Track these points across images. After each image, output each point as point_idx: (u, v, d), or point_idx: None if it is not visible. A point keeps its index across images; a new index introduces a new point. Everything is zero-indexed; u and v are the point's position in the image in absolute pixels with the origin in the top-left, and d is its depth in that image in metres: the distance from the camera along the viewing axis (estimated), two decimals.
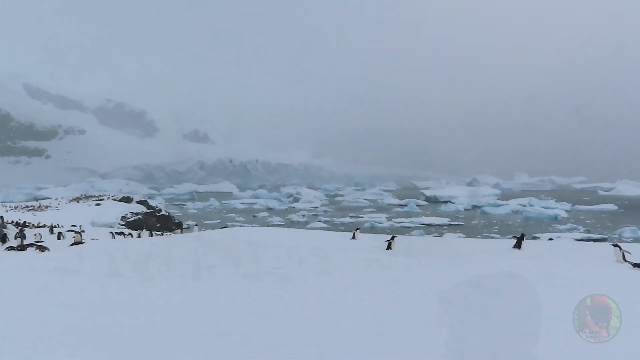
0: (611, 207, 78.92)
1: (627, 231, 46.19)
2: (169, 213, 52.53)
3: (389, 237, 17.40)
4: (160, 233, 27.44)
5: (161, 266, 11.42)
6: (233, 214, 71.77)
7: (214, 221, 59.41)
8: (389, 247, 15.62)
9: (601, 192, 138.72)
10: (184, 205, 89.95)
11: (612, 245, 13.78)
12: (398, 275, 10.45)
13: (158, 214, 51.67)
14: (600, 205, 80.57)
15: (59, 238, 23.28)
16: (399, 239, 17.01)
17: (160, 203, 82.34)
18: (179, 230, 28.66)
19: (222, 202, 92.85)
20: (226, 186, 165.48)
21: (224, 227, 28.79)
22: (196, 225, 30.30)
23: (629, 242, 38.19)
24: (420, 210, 76.27)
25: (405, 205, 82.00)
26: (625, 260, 12.53)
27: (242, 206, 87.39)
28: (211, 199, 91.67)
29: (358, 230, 19.47)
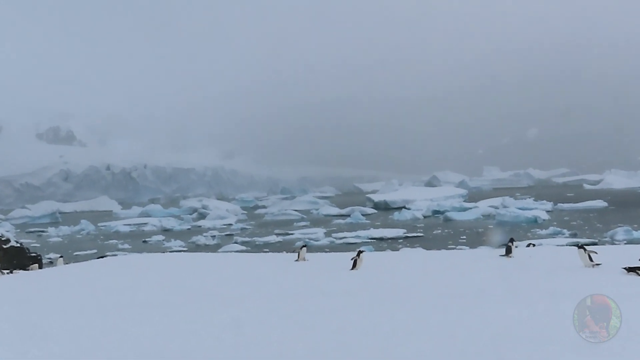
0: (600, 203, 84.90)
1: (620, 232, 49.77)
2: (21, 244, 49.66)
3: (344, 254, 17.74)
4: (8, 271, 25.96)
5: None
6: (114, 240, 69.27)
7: (88, 251, 57.04)
8: (354, 266, 15.95)
9: (587, 186, 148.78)
10: (43, 231, 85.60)
11: (577, 247, 14.93)
12: (357, 303, 10.65)
13: (5, 246, 48.92)
14: (586, 202, 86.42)
15: None
16: (366, 255, 17.41)
17: (8, 231, 77.46)
18: (37, 265, 27.28)
19: (99, 224, 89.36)
20: (103, 202, 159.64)
21: (102, 257, 27.82)
22: (61, 257, 29.04)
23: (621, 244, 41.27)
24: (367, 221, 77.71)
25: (348, 215, 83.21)
26: (593, 262, 13.69)
27: (126, 229, 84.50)
28: (82, 221, 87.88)
29: (305, 249, 19.65)
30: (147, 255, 28.87)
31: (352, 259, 16.74)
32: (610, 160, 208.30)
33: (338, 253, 24.60)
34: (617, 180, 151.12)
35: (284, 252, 26.07)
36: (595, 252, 14.15)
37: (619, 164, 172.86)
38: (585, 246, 14.67)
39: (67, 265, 24.57)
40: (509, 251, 17.17)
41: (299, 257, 19.29)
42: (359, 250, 17.55)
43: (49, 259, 47.17)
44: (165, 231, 79.20)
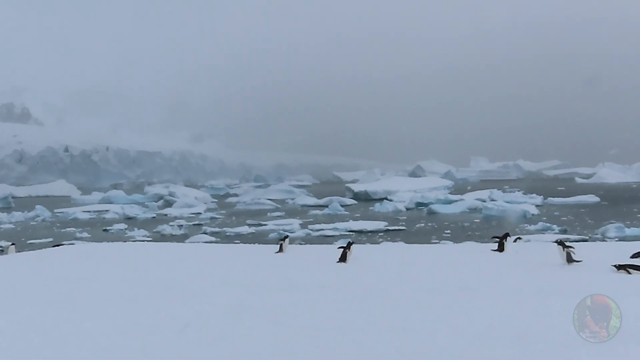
0: (592, 198, 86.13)
1: (612, 229, 50.44)
2: None
3: (320, 246, 17.84)
4: None
5: None
6: (72, 228, 68.51)
7: (43, 239, 56.26)
8: (342, 258, 16.04)
9: (579, 180, 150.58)
10: None
11: (555, 242, 15.15)
12: (332, 297, 10.65)
13: None
14: (578, 196, 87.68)
15: None
16: (357, 247, 17.54)
17: None
18: None
19: (55, 211, 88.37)
20: (60, 187, 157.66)
21: (57, 246, 27.46)
22: (13, 244, 28.63)
23: (613, 241, 41.97)
24: (346, 212, 77.90)
25: (326, 206, 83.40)
26: (572, 260, 13.96)
27: (86, 216, 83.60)
28: (37, 206, 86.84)
29: (287, 240, 19.63)
30: (107, 244, 28.59)
31: (340, 247, 17.01)
32: (604, 153, 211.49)
33: (314, 245, 24.64)
34: (611, 174, 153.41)
35: (256, 243, 26.02)
36: (573, 248, 14.36)
37: (613, 157, 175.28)
38: (564, 242, 14.88)
39: (19, 253, 24.26)
40: (501, 246, 17.33)
41: (281, 249, 19.00)
42: (349, 242, 17.56)
43: (0, 247, 46.55)
44: (128, 219, 78.54)
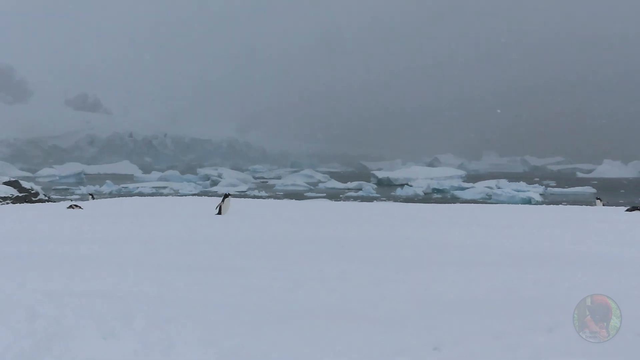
0: (588, 189, 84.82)
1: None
2: (49, 198, 50.40)
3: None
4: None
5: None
6: (137, 197, 69.95)
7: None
8: (219, 211, 16.91)
9: (580, 174, 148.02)
10: (69, 190, 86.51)
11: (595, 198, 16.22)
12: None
13: (35, 199, 49.56)
14: (577, 187, 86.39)
15: None
16: (232, 200, 18.36)
17: (36, 186, 78.25)
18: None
19: (121, 185, 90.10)
20: (125, 167, 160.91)
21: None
22: (91, 195, 30.01)
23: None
24: (378, 195, 77.72)
25: (360, 189, 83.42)
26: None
27: (147, 191, 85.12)
28: (107, 181, 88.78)
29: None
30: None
31: (217, 207, 17.69)
32: (606, 151, 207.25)
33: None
34: (610, 169, 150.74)
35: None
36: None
37: (615, 155, 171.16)
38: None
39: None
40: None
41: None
42: (225, 194, 18.10)
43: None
44: (181, 196, 79.62)
